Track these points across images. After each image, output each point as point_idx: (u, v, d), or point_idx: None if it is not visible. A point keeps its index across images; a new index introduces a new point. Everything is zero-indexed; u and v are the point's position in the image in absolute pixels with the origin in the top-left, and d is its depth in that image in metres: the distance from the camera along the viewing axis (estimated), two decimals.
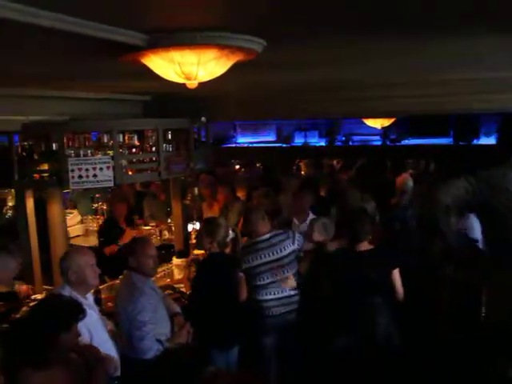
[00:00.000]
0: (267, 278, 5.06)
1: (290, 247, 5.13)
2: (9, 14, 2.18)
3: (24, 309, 5.20)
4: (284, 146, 17.36)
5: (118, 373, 3.78)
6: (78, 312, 3.21)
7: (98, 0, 2.26)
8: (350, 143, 16.97)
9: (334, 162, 13.72)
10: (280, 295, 5.10)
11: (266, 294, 5.08)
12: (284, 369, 5.17)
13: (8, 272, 4.01)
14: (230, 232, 4.96)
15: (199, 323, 4.50)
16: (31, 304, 5.25)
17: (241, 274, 4.99)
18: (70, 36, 2.55)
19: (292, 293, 5.16)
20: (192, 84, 3.22)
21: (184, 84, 3.31)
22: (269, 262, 5.05)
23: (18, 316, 4.97)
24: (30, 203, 5.48)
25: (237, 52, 3.12)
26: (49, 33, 2.45)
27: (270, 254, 5.06)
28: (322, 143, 17.48)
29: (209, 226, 4.93)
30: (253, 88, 6.20)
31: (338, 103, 8.57)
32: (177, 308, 4.70)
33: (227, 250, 5.09)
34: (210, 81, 3.40)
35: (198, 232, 5.36)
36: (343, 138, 17.18)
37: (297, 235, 5.25)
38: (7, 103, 5.15)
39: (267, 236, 5.13)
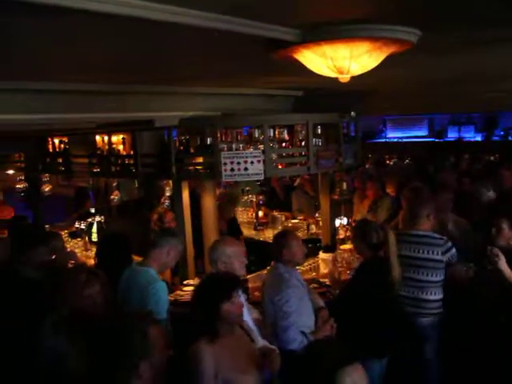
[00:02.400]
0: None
1: (434, 255, 4.85)
2: (191, 20, 2.37)
3: (177, 292, 5.55)
4: (436, 140, 16.60)
5: None
6: (237, 282, 3.38)
7: None
8: (510, 138, 15.76)
9: (492, 159, 12.89)
10: (411, 295, 4.87)
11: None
12: None
13: (179, 253, 4.31)
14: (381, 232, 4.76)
15: (351, 329, 4.37)
16: (184, 288, 5.59)
17: None
18: (229, 35, 2.65)
19: (429, 298, 4.87)
20: (344, 78, 3.19)
21: (336, 78, 3.29)
22: (407, 257, 4.82)
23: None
24: (185, 194, 5.79)
25: (390, 44, 3.02)
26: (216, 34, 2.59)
27: (412, 250, 4.88)
28: (478, 138, 16.46)
29: (361, 230, 4.79)
30: (405, 80, 5.99)
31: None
32: (321, 302, 4.69)
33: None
34: (362, 74, 3.34)
35: (352, 236, 5.24)
36: (502, 133, 16.00)
37: (453, 249, 4.92)
38: (166, 100, 5.48)
39: (422, 233, 4.94)
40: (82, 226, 7.68)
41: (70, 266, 6.09)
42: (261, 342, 3.59)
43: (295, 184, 9.06)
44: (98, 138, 6.60)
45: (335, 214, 6.85)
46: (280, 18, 2.68)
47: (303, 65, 3.34)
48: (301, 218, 8.24)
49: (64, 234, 7.44)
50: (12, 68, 3.70)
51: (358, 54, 2.97)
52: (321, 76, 3.42)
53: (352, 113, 6.25)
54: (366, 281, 4.56)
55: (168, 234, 4.28)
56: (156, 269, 4.06)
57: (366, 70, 3.20)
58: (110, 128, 6.07)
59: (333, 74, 3.18)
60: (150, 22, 2.30)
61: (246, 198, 8.53)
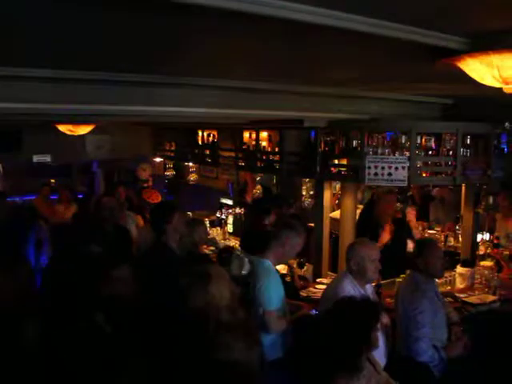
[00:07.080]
0: None
1: None
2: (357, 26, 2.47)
3: (310, 288, 5.65)
4: None
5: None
6: (375, 314, 3.18)
7: (424, 7, 2.34)
8: None
9: None
10: None
11: None
12: None
13: (296, 246, 4.33)
14: None
15: None
16: (317, 286, 5.68)
17: None
18: (391, 41, 2.70)
19: None
20: (510, 89, 3.09)
21: (499, 88, 3.19)
22: None
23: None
24: (326, 194, 5.89)
25: None
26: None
27: None
28: None
29: None
30: None
31: None
32: (456, 317, 4.59)
33: None
34: None
35: None
36: None
37: None
38: (316, 101, 5.59)
39: None
40: (223, 216, 8.05)
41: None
42: (383, 374, 3.46)
43: (433, 193, 8.78)
44: (245, 133, 6.89)
45: (478, 228, 6.60)
46: (449, 27, 2.67)
47: (463, 73, 3.28)
48: (438, 229, 7.99)
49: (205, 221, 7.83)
50: (201, 66, 3.99)
51: None
52: (479, 85, 3.34)
53: (506, 124, 5.95)
54: None
55: (286, 227, 4.32)
56: (272, 260, 4.17)
57: None
58: (260, 125, 6.29)
59: (497, 84, 3.09)
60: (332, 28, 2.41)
61: None
